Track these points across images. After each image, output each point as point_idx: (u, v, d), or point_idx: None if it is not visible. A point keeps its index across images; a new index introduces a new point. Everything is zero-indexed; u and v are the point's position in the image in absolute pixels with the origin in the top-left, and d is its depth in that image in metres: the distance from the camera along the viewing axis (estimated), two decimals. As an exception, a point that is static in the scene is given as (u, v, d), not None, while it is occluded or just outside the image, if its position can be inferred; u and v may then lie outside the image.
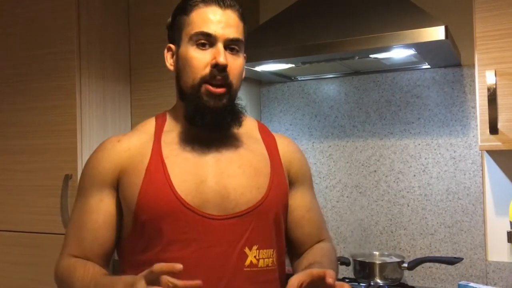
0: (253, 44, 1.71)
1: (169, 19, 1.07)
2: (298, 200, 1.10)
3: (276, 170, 1.05)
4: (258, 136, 1.10)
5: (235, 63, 1.01)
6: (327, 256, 1.06)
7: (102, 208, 1.01)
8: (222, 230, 0.96)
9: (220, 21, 0.99)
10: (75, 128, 1.68)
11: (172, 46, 1.06)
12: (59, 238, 1.64)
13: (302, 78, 2.09)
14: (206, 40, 0.98)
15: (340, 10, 1.67)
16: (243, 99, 1.07)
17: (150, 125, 1.07)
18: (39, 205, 1.74)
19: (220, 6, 1.00)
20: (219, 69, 0.98)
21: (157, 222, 0.96)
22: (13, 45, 1.80)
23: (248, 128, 1.09)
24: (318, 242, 1.12)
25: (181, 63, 1.02)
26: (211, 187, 0.98)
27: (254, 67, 1.81)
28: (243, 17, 1.04)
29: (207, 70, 0.98)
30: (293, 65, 1.79)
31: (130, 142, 1.03)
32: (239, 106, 1.04)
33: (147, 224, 0.97)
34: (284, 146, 1.11)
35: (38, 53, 1.75)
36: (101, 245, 1.01)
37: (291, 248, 1.12)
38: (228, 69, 0.98)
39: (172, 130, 1.05)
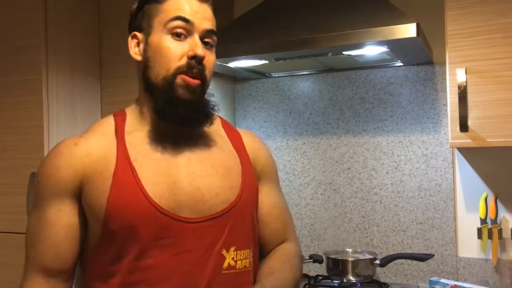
0: (227, 39, 1.69)
1: (134, 6, 1.01)
2: (264, 197, 1.08)
3: (247, 168, 1.03)
4: (223, 133, 1.07)
5: (210, 58, 0.98)
6: (290, 261, 1.04)
7: (62, 220, 0.92)
8: (198, 234, 0.92)
9: (197, 11, 0.96)
10: (41, 124, 1.62)
11: (138, 34, 0.99)
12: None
13: (277, 75, 2.08)
14: (183, 29, 0.94)
15: (313, 6, 1.66)
16: (216, 95, 1.04)
17: (108, 125, 1.00)
18: (4, 204, 1.68)
19: None
20: (197, 60, 0.94)
21: (129, 229, 0.90)
22: (-23, 38, 1.73)
23: (215, 125, 1.05)
24: (284, 241, 1.10)
25: (152, 52, 0.96)
26: (184, 188, 0.93)
27: (227, 63, 1.79)
28: (216, 14, 1.02)
29: (184, 61, 0.93)
30: (267, 62, 1.77)
31: (89, 146, 0.94)
32: (212, 103, 0.99)
33: (118, 232, 0.90)
34: (249, 142, 1.09)
35: (3, 47, 1.69)
36: (64, 261, 0.93)
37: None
38: (204, 62, 0.95)
39: (136, 130, 0.99)
